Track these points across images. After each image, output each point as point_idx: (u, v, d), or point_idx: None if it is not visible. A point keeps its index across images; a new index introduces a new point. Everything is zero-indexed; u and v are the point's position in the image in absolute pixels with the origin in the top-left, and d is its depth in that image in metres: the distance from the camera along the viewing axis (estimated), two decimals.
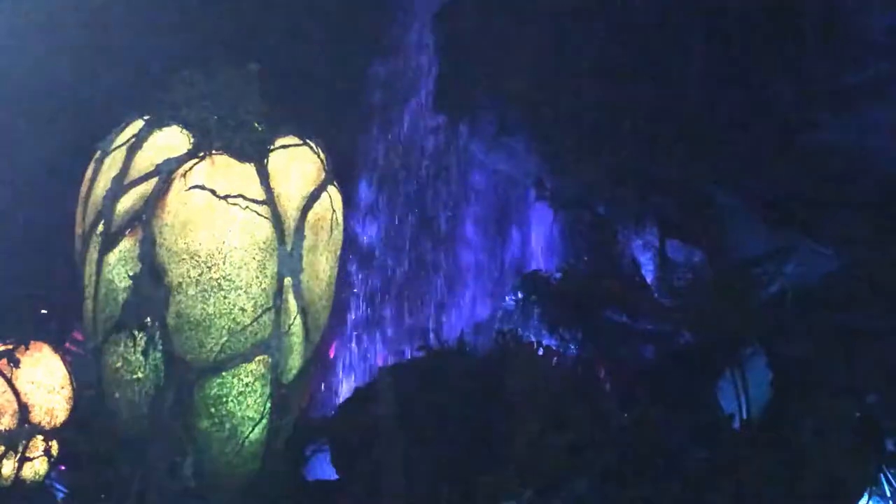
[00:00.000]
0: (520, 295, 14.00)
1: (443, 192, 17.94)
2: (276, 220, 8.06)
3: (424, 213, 18.24)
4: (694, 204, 11.56)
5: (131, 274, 7.85)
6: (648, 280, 12.43)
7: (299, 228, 8.22)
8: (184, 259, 7.81)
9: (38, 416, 9.38)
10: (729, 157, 11.07)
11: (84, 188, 8.43)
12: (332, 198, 8.60)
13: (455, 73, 14.28)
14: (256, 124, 8.47)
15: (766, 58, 10.67)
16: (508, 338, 11.73)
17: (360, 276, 18.56)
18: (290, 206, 8.19)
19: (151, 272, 7.82)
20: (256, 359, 8.06)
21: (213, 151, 8.06)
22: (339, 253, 8.82)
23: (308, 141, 8.65)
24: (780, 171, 10.84)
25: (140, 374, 7.93)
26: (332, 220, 8.56)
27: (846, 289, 10.74)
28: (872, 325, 10.33)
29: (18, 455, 9.27)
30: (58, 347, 9.97)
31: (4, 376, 9.29)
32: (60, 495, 9.75)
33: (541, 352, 10.80)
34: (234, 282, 7.87)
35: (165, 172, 7.91)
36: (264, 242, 7.99)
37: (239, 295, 7.90)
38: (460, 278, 17.89)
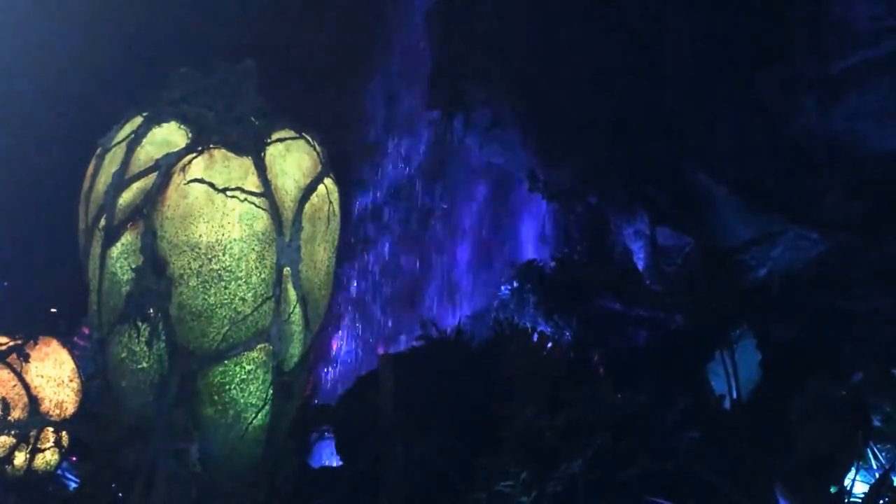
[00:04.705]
0: (515, 284, 14.15)
1: (439, 185, 18.11)
2: (274, 211, 8.16)
3: (421, 206, 18.41)
4: (683, 192, 11.66)
5: (133, 267, 7.97)
6: (640, 267, 12.54)
7: (297, 219, 8.33)
8: (184, 251, 7.93)
9: (48, 408, 9.57)
10: (716, 145, 11.20)
11: (86, 184, 8.54)
12: (329, 189, 8.71)
13: (448, 68, 14.37)
14: (253, 118, 8.60)
15: (752, 47, 10.80)
16: (505, 326, 11.91)
17: (359, 268, 18.75)
18: (287, 197, 8.30)
19: (153, 264, 7.94)
20: (258, 347, 8.19)
21: (211, 145, 8.16)
22: (336, 243, 8.92)
23: (304, 134, 8.77)
24: (765, 158, 10.97)
25: (145, 364, 8.05)
26: (328, 211, 8.67)
27: (831, 272, 10.88)
28: (856, 306, 10.48)
29: (30, 446, 9.46)
30: (66, 342, 10.17)
31: (14, 370, 9.48)
32: (72, 485, 9.95)
33: (535, 337, 10.96)
34: (234, 272, 7.99)
35: (165, 167, 8.02)
36: (263, 233, 8.10)
37: (239, 285, 8.02)
38: (457, 269, 18.05)
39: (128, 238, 8.05)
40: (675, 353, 10.94)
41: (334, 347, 18.13)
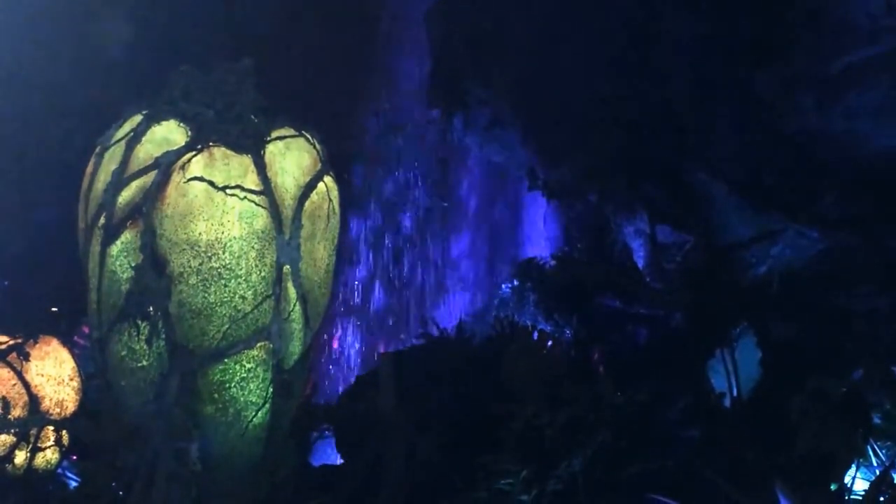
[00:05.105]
0: (516, 282, 14.19)
1: (439, 184, 18.15)
2: (274, 209, 8.18)
3: (422, 205, 18.43)
4: (683, 191, 11.67)
5: (133, 265, 7.97)
6: (640, 265, 12.54)
7: (296, 217, 8.35)
8: (184, 249, 7.94)
9: (48, 406, 9.57)
10: (716, 144, 11.20)
11: (85, 183, 8.54)
12: (329, 187, 8.73)
13: (448, 67, 14.39)
14: (252, 117, 8.59)
15: (751, 46, 10.81)
16: (505, 324, 11.91)
17: (359, 266, 18.77)
18: (286, 195, 8.31)
19: (153, 263, 7.95)
20: (258, 345, 8.20)
21: (211, 144, 8.16)
22: (336, 241, 8.93)
23: (304, 132, 8.78)
24: (765, 157, 10.97)
25: (145, 363, 8.06)
26: (328, 209, 8.68)
27: (831, 270, 10.88)
28: (856, 304, 10.49)
29: (30, 445, 9.46)
30: (66, 341, 10.17)
31: (15, 369, 9.47)
32: (72, 484, 9.95)
33: (535, 336, 10.96)
34: (233, 271, 8.00)
35: (164, 165, 8.02)
36: (263, 232, 8.11)
37: (239, 283, 8.02)
38: (458, 268, 18.09)
39: (127, 236, 8.06)
40: (675, 351, 10.94)
41: (335, 346, 18.18)
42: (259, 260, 8.11)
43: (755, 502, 7.81)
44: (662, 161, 11.58)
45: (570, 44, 12.28)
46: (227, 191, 7.99)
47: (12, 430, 9.29)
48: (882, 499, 7.67)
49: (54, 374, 9.68)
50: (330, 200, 8.73)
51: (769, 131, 10.84)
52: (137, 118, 8.48)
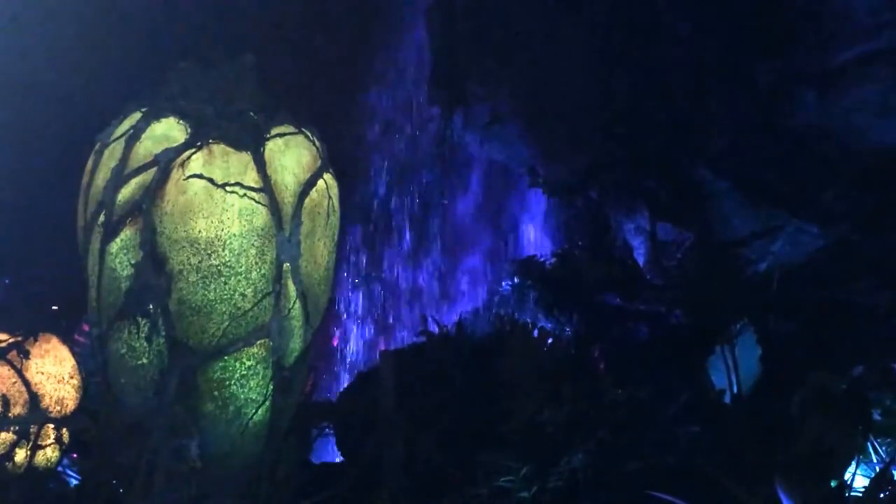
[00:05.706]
0: (516, 280, 14.18)
1: (439, 182, 18.15)
2: (274, 207, 8.15)
3: (421, 202, 18.43)
4: (683, 187, 11.67)
5: (133, 262, 7.96)
6: (640, 262, 12.55)
7: (296, 215, 8.32)
8: (184, 247, 7.91)
9: (48, 405, 9.55)
10: (717, 140, 11.20)
11: (85, 180, 8.51)
12: (328, 185, 8.70)
13: (448, 65, 14.39)
14: (252, 114, 8.57)
15: (751, 41, 10.80)
16: (505, 322, 11.92)
17: (359, 264, 18.77)
18: (286, 193, 8.28)
19: (152, 260, 7.92)
20: (258, 342, 8.17)
21: (211, 141, 8.14)
22: (336, 239, 8.90)
23: (303, 129, 8.76)
24: (766, 152, 10.96)
25: (145, 360, 8.04)
26: (328, 206, 8.66)
27: (831, 266, 10.88)
28: (856, 300, 10.48)
29: (30, 443, 9.45)
30: (66, 339, 10.15)
31: (15, 367, 9.44)
32: (73, 482, 9.95)
33: (535, 333, 10.97)
34: (233, 268, 7.98)
35: (164, 162, 8.00)
36: (262, 229, 8.09)
37: (239, 281, 8.00)
38: (458, 265, 18.09)
39: (127, 234, 8.03)
40: (675, 348, 10.92)
41: (335, 344, 18.19)
42: (259, 257, 8.09)
43: (755, 499, 7.79)
44: (663, 157, 11.58)
45: (569, 40, 12.27)
46: (227, 188, 7.97)
47: (12, 428, 9.27)
48: (882, 496, 7.66)
49: (54, 371, 9.66)
50: (330, 198, 8.70)
51: (770, 127, 10.83)
52: (137, 115, 8.45)
